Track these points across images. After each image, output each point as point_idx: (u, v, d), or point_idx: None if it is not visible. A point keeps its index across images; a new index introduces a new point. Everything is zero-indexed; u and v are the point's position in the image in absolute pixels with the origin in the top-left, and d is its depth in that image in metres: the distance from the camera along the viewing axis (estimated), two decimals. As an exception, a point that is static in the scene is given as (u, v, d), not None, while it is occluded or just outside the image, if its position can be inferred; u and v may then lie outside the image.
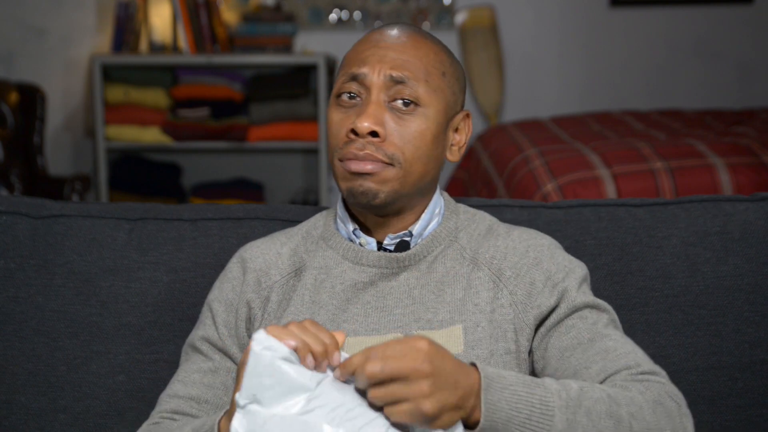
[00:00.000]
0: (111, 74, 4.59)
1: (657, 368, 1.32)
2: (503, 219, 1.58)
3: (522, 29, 4.94)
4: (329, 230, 1.48)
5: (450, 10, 4.88)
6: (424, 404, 1.11)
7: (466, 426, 1.17)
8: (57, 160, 4.71)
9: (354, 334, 1.38)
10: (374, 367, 1.11)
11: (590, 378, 1.30)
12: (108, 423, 1.62)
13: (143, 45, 4.66)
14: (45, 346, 1.61)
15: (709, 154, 3.25)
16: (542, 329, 1.40)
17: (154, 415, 1.42)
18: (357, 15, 4.87)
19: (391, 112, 1.38)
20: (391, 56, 1.39)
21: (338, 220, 1.48)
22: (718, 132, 3.87)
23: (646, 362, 1.32)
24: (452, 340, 1.37)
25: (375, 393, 1.12)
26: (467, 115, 1.47)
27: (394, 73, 1.38)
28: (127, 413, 1.62)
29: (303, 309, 1.42)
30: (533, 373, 1.40)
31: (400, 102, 1.38)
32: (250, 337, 1.45)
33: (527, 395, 1.18)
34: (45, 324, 1.62)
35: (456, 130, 1.46)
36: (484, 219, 1.51)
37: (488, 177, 3.76)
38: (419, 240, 1.44)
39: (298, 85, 4.63)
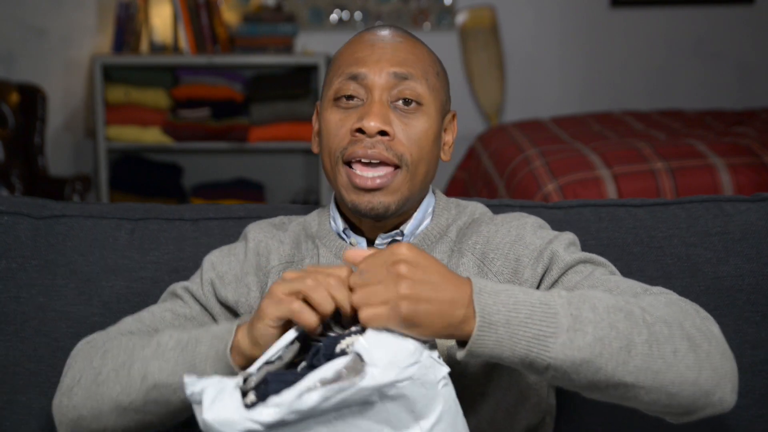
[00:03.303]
0: (111, 74, 4.59)
1: (668, 290, 1.28)
2: (504, 219, 1.57)
3: (522, 29, 4.94)
4: (323, 229, 1.48)
5: (450, 11, 4.88)
6: (400, 305, 1.08)
7: (464, 343, 1.13)
8: (57, 160, 4.71)
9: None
10: (354, 278, 1.12)
11: None
12: (109, 423, 1.62)
13: (144, 45, 4.66)
14: (47, 346, 1.61)
15: (710, 154, 3.25)
16: None
17: (111, 330, 1.41)
18: (357, 15, 4.87)
19: (394, 112, 1.38)
20: (390, 53, 1.39)
21: (331, 219, 1.48)
22: (719, 132, 3.86)
23: (655, 287, 1.28)
24: None
25: (354, 298, 1.11)
26: (454, 116, 1.49)
27: (397, 70, 1.37)
28: (129, 413, 1.62)
29: None
30: None
31: (401, 102, 1.38)
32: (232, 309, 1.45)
33: (524, 296, 1.13)
34: (47, 324, 1.62)
35: (445, 130, 1.47)
36: (475, 210, 1.50)
37: (489, 177, 3.76)
38: (411, 239, 1.44)
39: (298, 85, 4.63)
